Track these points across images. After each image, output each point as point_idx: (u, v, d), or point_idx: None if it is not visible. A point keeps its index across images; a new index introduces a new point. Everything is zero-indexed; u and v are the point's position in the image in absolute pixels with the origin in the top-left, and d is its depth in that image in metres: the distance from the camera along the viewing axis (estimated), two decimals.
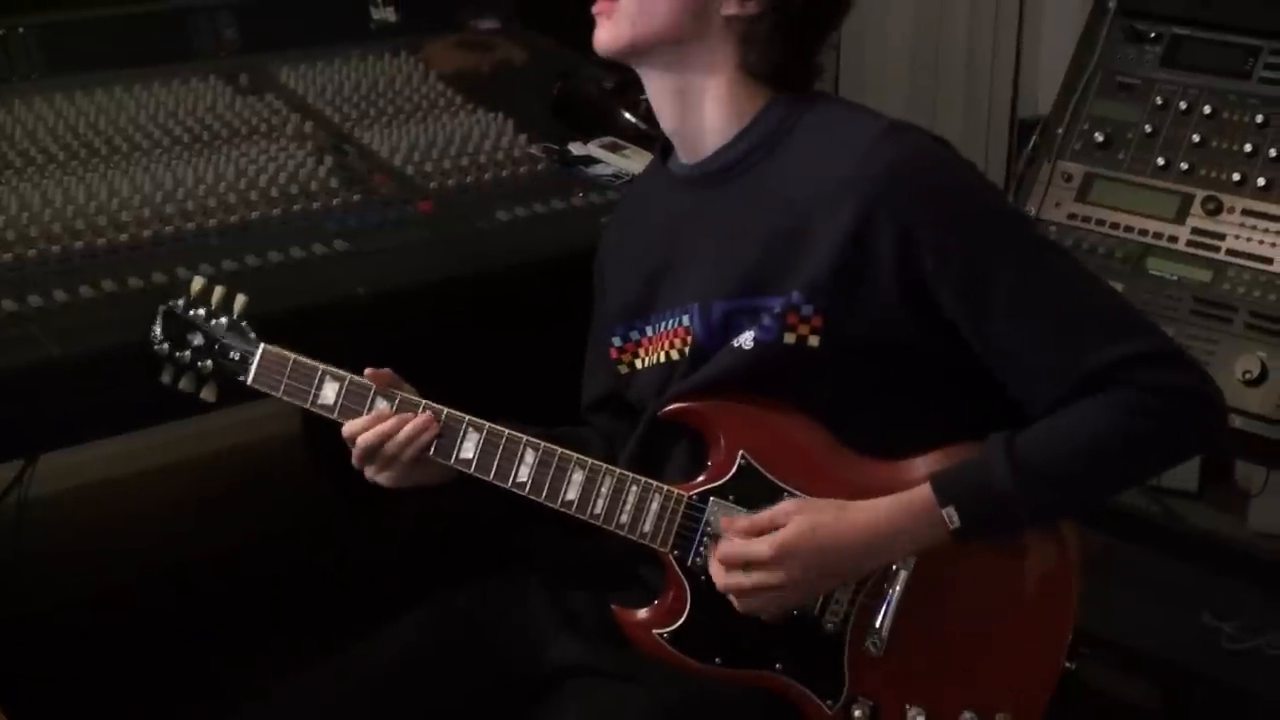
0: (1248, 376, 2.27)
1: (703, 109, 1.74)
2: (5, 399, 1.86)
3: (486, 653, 1.83)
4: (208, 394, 1.83)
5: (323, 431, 1.81)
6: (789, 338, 1.67)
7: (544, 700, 1.79)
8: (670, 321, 1.78)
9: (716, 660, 1.72)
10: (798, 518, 1.65)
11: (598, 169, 2.50)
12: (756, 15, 1.69)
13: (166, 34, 2.59)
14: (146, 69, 2.53)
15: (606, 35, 1.73)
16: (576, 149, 2.54)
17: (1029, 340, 1.64)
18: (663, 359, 1.79)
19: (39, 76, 2.45)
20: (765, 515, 1.66)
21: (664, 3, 1.69)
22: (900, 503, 1.65)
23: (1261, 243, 2.35)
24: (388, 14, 2.80)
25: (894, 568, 1.66)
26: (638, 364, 1.84)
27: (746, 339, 1.69)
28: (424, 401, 1.76)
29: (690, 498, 1.71)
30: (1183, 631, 2.77)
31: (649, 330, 1.81)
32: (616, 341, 1.85)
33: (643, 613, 1.74)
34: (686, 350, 1.75)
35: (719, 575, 1.67)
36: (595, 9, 1.74)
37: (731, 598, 1.67)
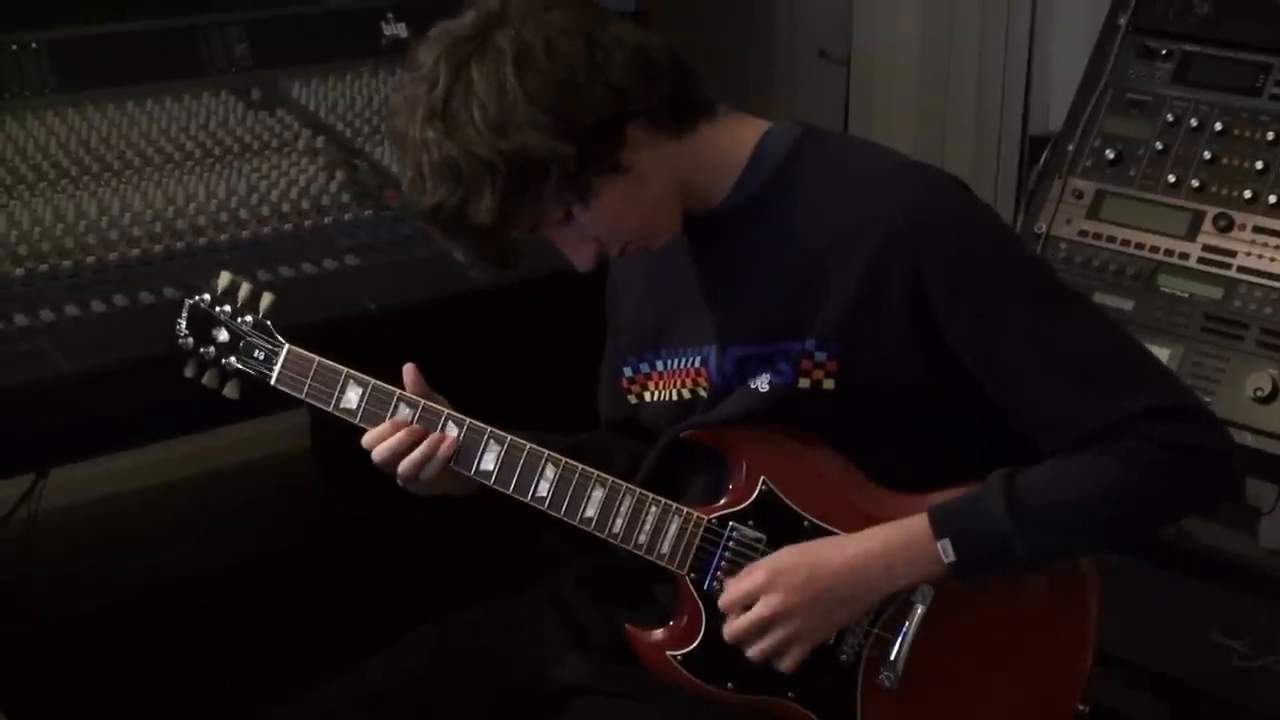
0: (1259, 394, 2.26)
1: (694, 184, 1.68)
2: (16, 413, 1.87)
3: (494, 670, 1.82)
4: (230, 391, 1.80)
5: (331, 447, 1.81)
6: (804, 382, 1.65)
7: (551, 719, 1.78)
8: (683, 360, 1.76)
9: (729, 685, 1.70)
10: (787, 549, 1.65)
11: None
12: (654, 106, 1.60)
13: (179, 49, 2.59)
14: (158, 84, 2.54)
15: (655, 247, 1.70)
16: None
17: (1039, 387, 1.61)
18: (674, 396, 1.78)
19: (51, 91, 2.46)
20: (757, 563, 1.66)
21: (646, 210, 1.64)
22: (897, 532, 1.64)
23: (1273, 260, 2.35)
24: (399, 30, 2.81)
25: (911, 601, 1.65)
26: (647, 396, 1.82)
27: (762, 382, 1.68)
28: (447, 412, 1.73)
29: (709, 521, 1.70)
30: (1193, 649, 2.76)
31: (659, 365, 1.80)
32: (628, 372, 1.84)
33: (657, 633, 1.73)
34: (701, 392, 1.74)
35: (727, 628, 1.66)
36: (622, 256, 1.69)
37: (745, 650, 1.66)
